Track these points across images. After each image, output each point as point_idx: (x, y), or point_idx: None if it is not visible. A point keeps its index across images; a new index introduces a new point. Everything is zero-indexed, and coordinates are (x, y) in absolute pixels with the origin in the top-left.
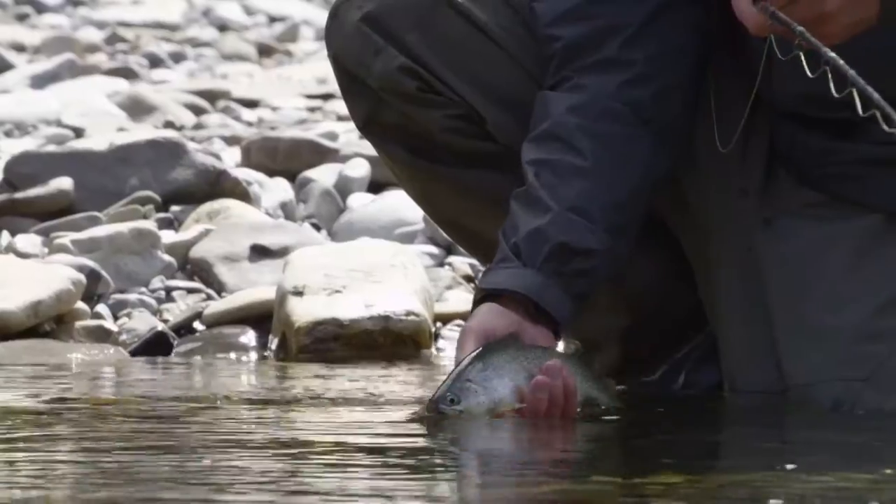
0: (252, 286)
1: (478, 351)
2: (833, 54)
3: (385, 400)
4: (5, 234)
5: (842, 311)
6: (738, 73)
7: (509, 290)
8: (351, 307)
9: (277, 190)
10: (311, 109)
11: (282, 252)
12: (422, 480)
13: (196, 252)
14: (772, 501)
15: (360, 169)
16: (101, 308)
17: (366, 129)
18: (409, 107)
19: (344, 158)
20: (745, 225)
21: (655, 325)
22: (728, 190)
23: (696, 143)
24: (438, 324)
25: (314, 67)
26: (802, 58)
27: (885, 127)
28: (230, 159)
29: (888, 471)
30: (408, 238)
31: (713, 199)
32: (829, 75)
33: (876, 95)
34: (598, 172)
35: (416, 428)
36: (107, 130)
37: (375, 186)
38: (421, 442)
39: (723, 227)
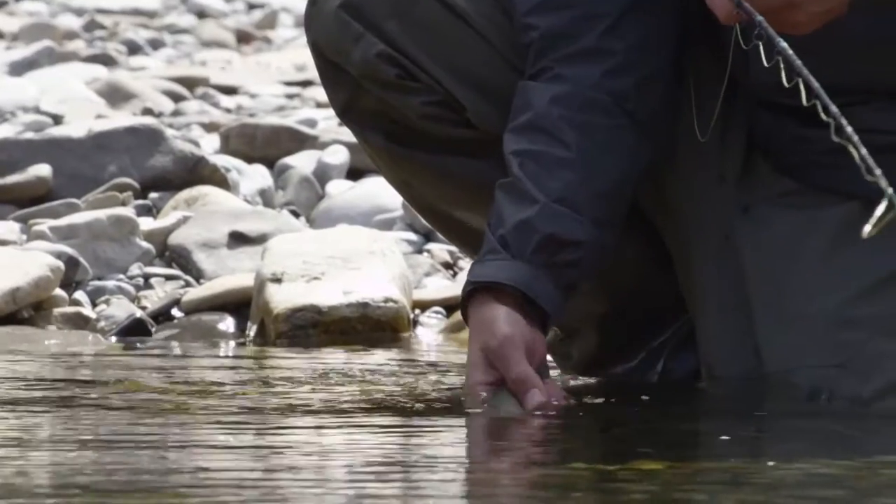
0: (230, 273)
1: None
2: (785, 44)
3: (365, 382)
4: None
5: (819, 298)
6: (716, 62)
7: (499, 283)
8: (329, 294)
9: (256, 177)
10: (290, 96)
11: (260, 239)
12: (400, 467)
13: (174, 239)
14: None
15: (338, 156)
16: (80, 295)
17: (345, 116)
18: (389, 94)
19: (323, 145)
20: (723, 212)
21: (634, 312)
22: (706, 177)
23: (676, 131)
24: (417, 310)
25: (293, 54)
26: (761, 48)
27: (823, 116)
28: (209, 146)
29: (865, 458)
30: (386, 225)
31: (692, 187)
32: (781, 65)
33: (816, 84)
34: (583, 164)
35: (395, 415)
36: (85, 117)
37: (354, 173)
38: (401, 428)
39: (701, 215)
